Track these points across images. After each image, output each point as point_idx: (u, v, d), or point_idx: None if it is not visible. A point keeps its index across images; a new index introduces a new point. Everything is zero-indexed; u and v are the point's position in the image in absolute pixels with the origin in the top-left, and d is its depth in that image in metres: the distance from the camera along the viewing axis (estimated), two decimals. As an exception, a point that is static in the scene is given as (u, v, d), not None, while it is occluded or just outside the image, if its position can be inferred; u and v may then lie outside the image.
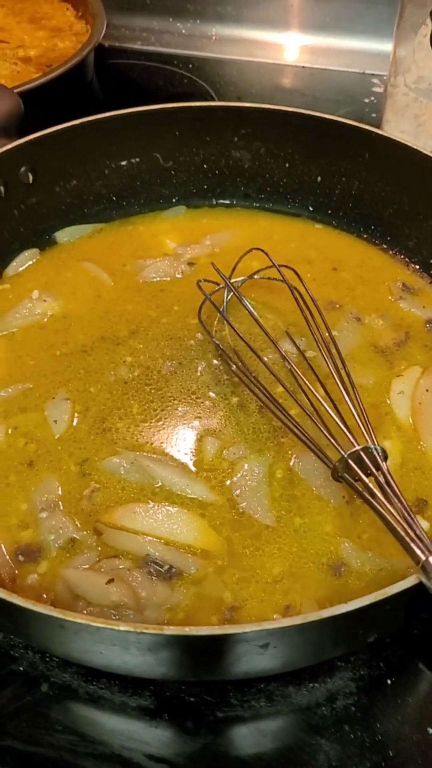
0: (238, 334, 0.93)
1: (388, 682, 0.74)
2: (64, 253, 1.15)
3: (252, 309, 1.04)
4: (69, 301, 1.07)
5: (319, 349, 0.89)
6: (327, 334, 0.91)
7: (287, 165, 1.19)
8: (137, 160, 1.18)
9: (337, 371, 0.81)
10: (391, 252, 1.15)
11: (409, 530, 0.60)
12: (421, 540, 0.59)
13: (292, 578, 0.77)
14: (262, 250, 0.98)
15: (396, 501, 0.63)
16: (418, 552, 0.58)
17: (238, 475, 0.85)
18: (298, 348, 0.97)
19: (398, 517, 0.61)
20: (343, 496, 0.82)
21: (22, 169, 1.08)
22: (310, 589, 0.76)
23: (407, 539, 0.59)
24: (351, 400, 0.75)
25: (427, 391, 0.93)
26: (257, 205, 1.23)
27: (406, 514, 0.61)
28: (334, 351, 0.87)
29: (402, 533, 0.60)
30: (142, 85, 1.66)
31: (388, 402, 0.93)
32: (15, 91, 1.32)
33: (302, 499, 0.83)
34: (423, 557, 0.58)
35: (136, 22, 1.77)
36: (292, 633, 0.58)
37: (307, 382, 0.83)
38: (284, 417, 0.80)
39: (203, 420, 0.91)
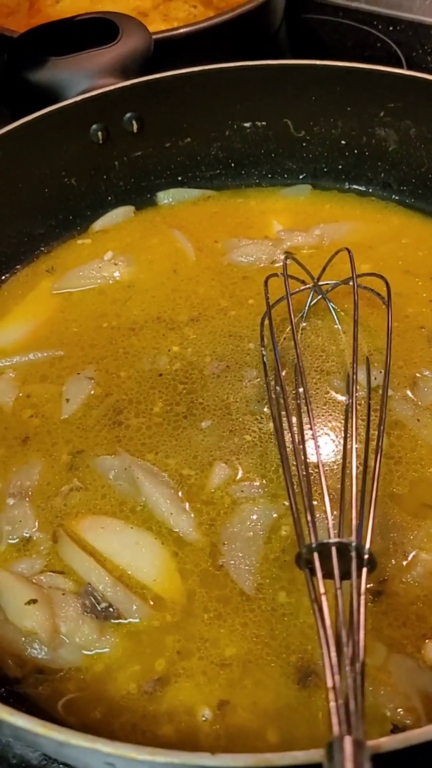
0: (296, 345, 0.76)
1: None
2: (159, 217, 1.03)
3: (338, 321, 0.87)
4: (142, 269, 0.95)
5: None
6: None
7: (440, 154, 0.96)
8: (263, 123, 1.02)
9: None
10: None
11: (339, 685, 0.41)
12: (347, 709, 0.40)
13: (243, 669, 0.60)
14: (348, 251, 0.79)
15: (350, 637, 0.45)
16: (334, 723, 0.40)
17: (236, 518, 0.69)
18: (368, 382, 0.77)
19: (332, 663, 0.42)
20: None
21: (127, 115, 0.97)
22: (259, 690, 0.59)
23: (332, 700, 0.41)
24: (348, 464, 0.56)
25: None
26: (396, 198, 1.02)
27: (350, 665, 0.43)
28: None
29: (330, 682, 0.42)
30: (329, 44, 1.47)
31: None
32: (179, 30, 1.21)
33: (299, 571, 0.65)
34: (336, 732, 0.39)
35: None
36: None
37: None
38: (287, 466, 0.63)
39: (224, 441, 0.76)
